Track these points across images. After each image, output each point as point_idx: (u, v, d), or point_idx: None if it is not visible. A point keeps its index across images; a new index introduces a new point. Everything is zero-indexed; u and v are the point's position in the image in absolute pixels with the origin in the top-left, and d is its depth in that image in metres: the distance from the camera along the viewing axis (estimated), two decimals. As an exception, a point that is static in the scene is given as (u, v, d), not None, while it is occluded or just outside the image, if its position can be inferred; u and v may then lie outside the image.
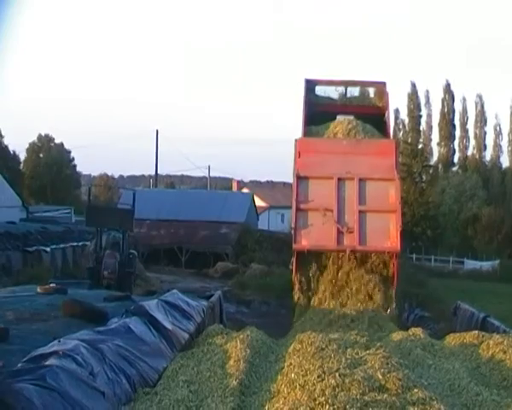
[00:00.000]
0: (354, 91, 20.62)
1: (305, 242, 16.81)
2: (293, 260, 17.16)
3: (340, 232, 16.67)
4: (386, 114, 19.81)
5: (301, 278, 17.05)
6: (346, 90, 20.43)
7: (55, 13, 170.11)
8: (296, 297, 17.17)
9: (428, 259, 61.15)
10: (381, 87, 20.18)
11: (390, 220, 16.79)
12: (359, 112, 20.15)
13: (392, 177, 17.21)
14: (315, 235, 16.79)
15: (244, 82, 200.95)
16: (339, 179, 17.12)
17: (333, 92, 20.50)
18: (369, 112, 20.05)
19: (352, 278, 16.79)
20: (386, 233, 16.71)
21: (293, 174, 17.81)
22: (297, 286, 17.15)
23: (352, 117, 20.09)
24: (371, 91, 20.52)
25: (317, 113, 19.63)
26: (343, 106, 20.28)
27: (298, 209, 17.01)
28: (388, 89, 20.01)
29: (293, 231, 16.86)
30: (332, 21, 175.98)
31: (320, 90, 20.39)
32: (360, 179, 17.09)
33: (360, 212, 16.83)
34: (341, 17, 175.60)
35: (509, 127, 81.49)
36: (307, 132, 18.88)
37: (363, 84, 20.88)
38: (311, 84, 20.05)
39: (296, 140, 18.22)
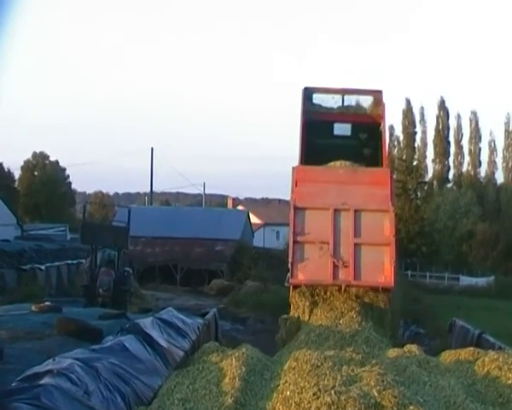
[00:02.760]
0: (351, 100, 20.62)
1: (301, 276, 16.89)
2: (290, 292, 17.24)
3: (335, 266, 16.70)
4: (381, 124, 19.82)
5: (298, 303, 17.07)
6: (343, 98, 20.44)
7: (49, 27, 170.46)
8: (292, 314, 17.15)
9: (424, 275, 61.13)
10: (377, 96, 20.19)
11: (384, 254, 16.79)
12: (356, 121, 20.19)
13: (386, 208, 17.21)
14: (311, 269, 16.84)
15: (239, 97, 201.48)
16: (335, 210, 17.12)
17: (330, 101, 20.50)
18: (365, 120, 20.08)
19: (349, 303, 16.79)
20: (380, 268, 16.73)
21: (290, 204, 17.82)
22: (292, 308, 17.15)
23: (349, 125, 20.17)
24: (368, 100, 20.52)
25: (314, 121, 19.64)
26: (340, 114, 20.30)
27: (295, 242, 17.03)
28: (384, 100, 20.03)
29: (290, 265, 16.86)
30: (328, 35, 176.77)
31: (317, 99, 20.38)
32: (356, 211, 17.09)
33: (355, 245, 16.85)
34: (336, 31, 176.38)
35: (504, 143, 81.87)
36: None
37: (360, 93, 20.89)
38: (308, 92, 20.06)
39: (293, 168, 18.19)
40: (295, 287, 17.20)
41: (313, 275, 16.83)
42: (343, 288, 16.71)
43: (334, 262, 16.70)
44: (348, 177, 17.89)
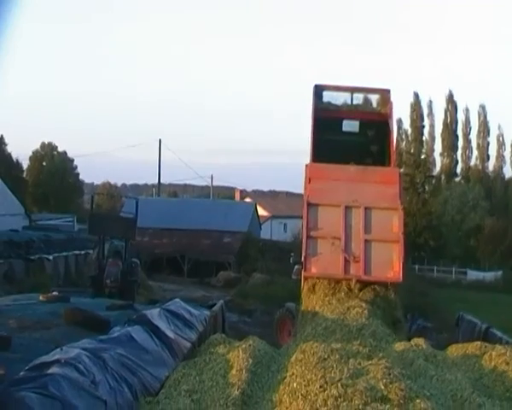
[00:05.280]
0: (360, 98, 20.87)
1: (314, 270, 17.21)
2: (301, 285, 17.48)
3: (346, 261, 17.03)
4: (389, 122, 20.03)
5: (307, 296, 17.25)
6: (352, 96, 20.67)
7: (56, 19, 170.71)
8: (301, 307, 17.32)
9: (431, 269, 61.14)
10: (385, 94, 20.45)
11: (393, 251, 17.14)
12: (364, 118, 20.44)
13: (395, 206, 17.50)
14: (323, 263, 17.17)
15: (247, 90, 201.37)
16: (346, 207, 17.40)
17: (339, 98, 20.74)
18: (373, 118, 20.34)
19: (357, 297, 16.94)
20: (389, 263, 17.07)
21: (303, 200, 18.07)
22: (302, 301, 17.33)
23: (357, 122, 20.40)
24: (376, 98, 20.77)
25: (324, 118, 19.85)
26: (349, 112, 20.55)
27: (308, 237, 17.31)
28: (392, 98, 20.26)
29: (303, 259, 17.13)
30: (337, 30, 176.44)
31: (327, 96, 20.62)
32: (366, 208, 17.40)
33: (366, 241, 17.17)
34: (344, 24, 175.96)
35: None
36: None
37: (368, 91, 21.16)
38: (318, 90, 20.31)
39: (306, 165, 18.51)
40: (305, 280, 17.39)
41: (325, 269, 17.13)
42: (354, 282, 16.92)
43: (345, 257, 16.98)
44: (359, 175, 18.16)
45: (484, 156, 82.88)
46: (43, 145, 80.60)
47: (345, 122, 20.72)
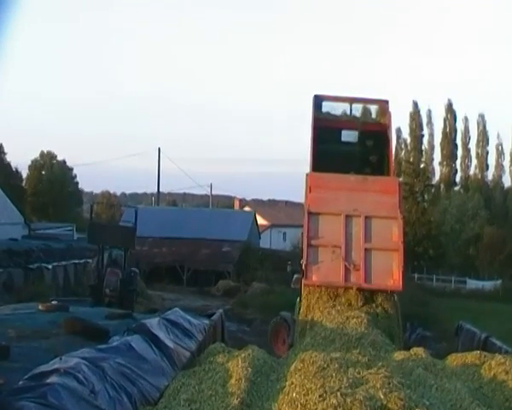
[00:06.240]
0: (358, 108, 21.02)
1: (315, 278, 17.33)
2: (302, 293, 17.62)
3: (347, 269, 17.14)
4: (388, 132, 20.14)
5: (307, 305, 17.31)
6: (351, 106, 20.81)
7: (56, 28, 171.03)
8: (300, 316, 17.34)
9: (430, 278, 61.07)
10: (383, 105, 20.61)
11: (393, 259, 17.29)
12: (362, 128, 20.57)
13: (395, 216, 17.65)
14: (324, 271, 17.30)
15: (247, 100, 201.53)
16: (346, 216, 17.53)
17: (338, 108, 20.88)
18: (371, 128, 20.47)
19: (356, 306, 16.99)
20: (389, 272, 17.20)
21: (304, 209, 18.19)
22: (301, 310, 17.38)
23: (356, 132, 20.51)
24: (374, 108, 20.93)
25: (323, 128, 19.98)
26: (347, 122, 20.69)
27: (309, 245, 17.41)
28: (391, 108, 20.41)
29: (303, 267, 17.23)
30: (336, 38, 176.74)
31: (326, 106, 20.76)
32: (366, 217, 17.55)
33: (366, 250, 17.30)
34: (343, 34, 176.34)
35: (511, 147, 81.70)
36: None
37: (367, 102, 21.33)
38: (318, 100, 20.45)
39: (307, 174, 18.63)
40: (306, 289, 17.44)
41: (326, 277, 17.23)
42: (354, 290, 16.99)
43: (345, 265, 17.06)
44: (359, 184, 18.28)
45: (483, 165, 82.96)
46: (42, 154, 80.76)
47: (344, 132, 20.85)
